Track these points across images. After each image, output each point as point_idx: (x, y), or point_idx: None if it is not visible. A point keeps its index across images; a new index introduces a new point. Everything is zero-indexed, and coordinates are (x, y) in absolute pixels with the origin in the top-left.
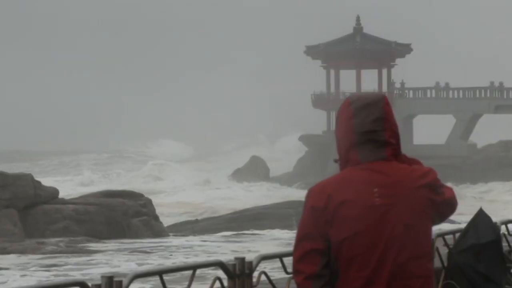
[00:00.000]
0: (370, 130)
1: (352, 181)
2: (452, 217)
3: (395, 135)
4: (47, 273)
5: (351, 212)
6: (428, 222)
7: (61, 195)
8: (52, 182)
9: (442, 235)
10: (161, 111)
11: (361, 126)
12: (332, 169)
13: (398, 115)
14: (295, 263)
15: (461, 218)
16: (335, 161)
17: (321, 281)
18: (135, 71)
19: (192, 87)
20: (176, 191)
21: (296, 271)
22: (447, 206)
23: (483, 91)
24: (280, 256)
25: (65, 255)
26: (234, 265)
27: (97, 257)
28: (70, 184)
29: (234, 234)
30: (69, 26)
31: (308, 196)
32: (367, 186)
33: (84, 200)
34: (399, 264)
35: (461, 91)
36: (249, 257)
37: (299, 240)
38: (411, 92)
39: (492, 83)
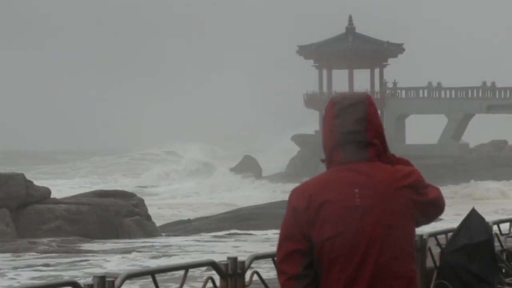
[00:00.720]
0: (353, 130)
1: (334, 182)
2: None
3: (379, 135)
4: (39, 273)
5: (332, 213)
6: (411, 223)
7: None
8: (54, 185)
9: (434, 234)
10: (161, 111)
11: (343, 126)
12: (324, 169)
13: (390, 115)
14: (279, 264)
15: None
16: (322, 161)
17: (304, 281)
18: (135, 71)
19: (192, 87)
20: (171, 191)
21: (279, 272)
22: (432, 207)
23: (475, 91)
24: (272, 256)
25: (57, 255)
26: (226, 265)
27: (89, 257)
28: (74, 188)
29: (226, 234)
30: (69, 26)
31: (291, 196)
32: (348, 187)
33: (76, 199)
34: (380, 265)
35: (453, 91)
36: (242, 257)
37: (282, 240)
38: (403, 92)
39: (484, 83)
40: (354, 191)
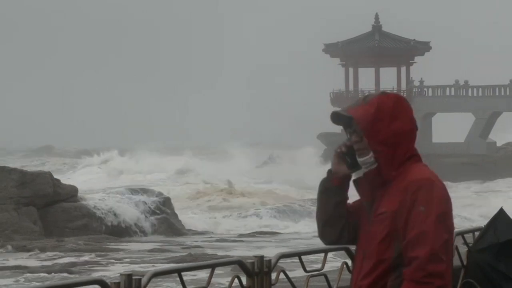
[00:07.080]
0: None
1: None
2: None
3: None
4: (66, 271)
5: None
6: None
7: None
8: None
9: (461, 233)
10: (177, 112)
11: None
12: None
13: (417, 113)
14: (440, 249)
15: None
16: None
17: None
18: (150, 74)
19: (210, 87)
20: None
21: (438, 259)
22: None
23: (502, 89)
24: (299, 254)
25: (84, 253)
26: (253, 263)
27: (116, 255)
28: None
29: (252, 232)
30: (71, 27)
31: (441, 188)
32: None
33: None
34: None
35: (480, 89)
36: (268, 255)
37: (445, 228)
38: (430, 90)
39: (511, 81)
40: None
